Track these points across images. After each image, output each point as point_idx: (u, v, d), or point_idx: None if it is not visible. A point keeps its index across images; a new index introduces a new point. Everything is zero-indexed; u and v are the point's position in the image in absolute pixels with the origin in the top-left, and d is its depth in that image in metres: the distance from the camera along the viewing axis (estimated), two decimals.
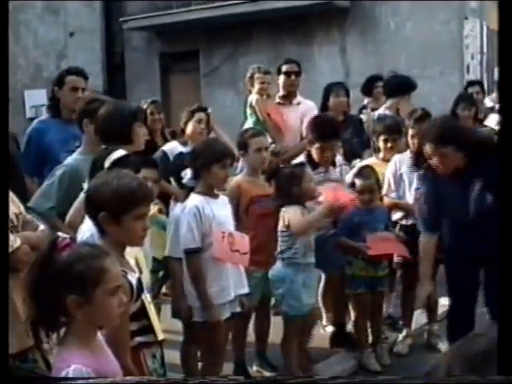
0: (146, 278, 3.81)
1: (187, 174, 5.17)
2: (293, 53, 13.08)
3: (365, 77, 9.33)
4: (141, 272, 3.54)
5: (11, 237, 3.71)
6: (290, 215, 5.21)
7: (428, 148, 4.74)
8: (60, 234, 2.90)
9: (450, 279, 5.17)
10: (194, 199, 4.83)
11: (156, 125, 7.19)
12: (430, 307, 6.31)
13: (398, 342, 6.30)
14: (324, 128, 5.90)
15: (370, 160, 6.44)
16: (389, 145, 6.22)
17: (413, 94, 7.58)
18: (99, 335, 2.86)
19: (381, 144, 6.31)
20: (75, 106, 5.53)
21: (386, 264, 5.96)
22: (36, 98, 14.94)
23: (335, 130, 5.91)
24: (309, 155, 5.90)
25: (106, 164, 4.28)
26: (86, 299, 2.66)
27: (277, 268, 5.34)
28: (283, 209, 5.25)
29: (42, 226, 4.01)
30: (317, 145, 5.79)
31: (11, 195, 3.94)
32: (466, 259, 4.88)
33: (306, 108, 7.45)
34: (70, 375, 2.56)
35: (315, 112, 7.31)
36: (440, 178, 4.83)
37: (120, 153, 4.37)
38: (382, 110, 7.55)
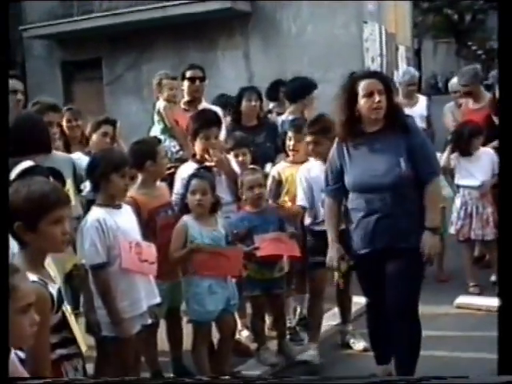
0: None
1: (86, 186, 5.09)
2: (197, 58, 13.10)
3: (268, 81, 9.40)
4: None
5: None
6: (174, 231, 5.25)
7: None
8: None
9: (360, 276, 5.25)
10: (95, 212, 4.69)
11: (74, 132, 7.00)
12: (344, 306, 6.35)
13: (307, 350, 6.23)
14: (204, 116, 6.00)
15: (281, 163, 6.43)
16: (296, 146, 6.21)
17: (316, 96, 7.65)
18: (12, 355, 2.75)
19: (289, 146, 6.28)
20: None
21: (282, 265, 5.95)
22: None
23: (215, 118, 5.98)
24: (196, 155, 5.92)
25: (12, 176, 4.21)
26: None
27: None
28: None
29: None
30: (200, 135, 5.82)
31: None
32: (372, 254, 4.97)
33: None
34: None
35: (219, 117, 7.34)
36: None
37: (27, 163, 4.31)
38: (285, 116, 7.61)
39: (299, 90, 7.56)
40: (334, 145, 5.12)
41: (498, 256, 1.40)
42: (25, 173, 4.24)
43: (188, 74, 7.50)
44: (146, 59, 14.56)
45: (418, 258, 4.84)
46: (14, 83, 6.00)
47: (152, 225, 5.32)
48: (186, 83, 7.49)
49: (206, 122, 5.89)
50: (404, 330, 4.95)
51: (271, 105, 9.03)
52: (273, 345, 6.11)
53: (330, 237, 5.22)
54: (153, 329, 5.29)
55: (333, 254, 5.17)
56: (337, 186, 5.12)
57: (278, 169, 6.36)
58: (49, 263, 3.44)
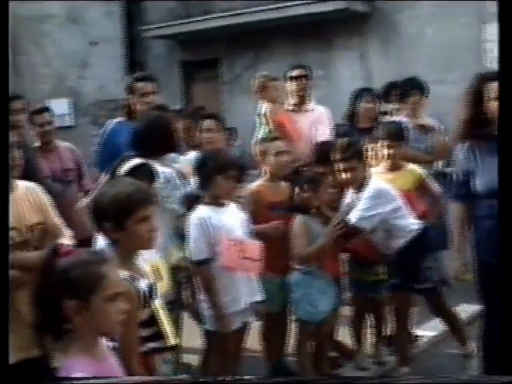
0: (165, 286, 3.84)
1: (192, 183, 5.20)
2: (313, 58, 13.12)
3: (385, 82, 9.26)
4: (160, 279, 3.55)
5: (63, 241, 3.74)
6: (295, 230, 5.24)
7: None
8: (63, 241, 2.94)
9: (484, 285, 4.86)
10: (200, 210, 4.83)
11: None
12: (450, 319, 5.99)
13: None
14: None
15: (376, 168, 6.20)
16: (391, 151, 5.91)
17: (433, 99, 7.48)
18: (103, 342, 2.89)
19: (382, 151, 5.97)
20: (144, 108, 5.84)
21: (378, 270, 5.77)
22: (59, 108, 15.04)
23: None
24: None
25: (121, 172, 4.34)
26: (83, 305, 2.68)
27: (294, 273, 5.34)
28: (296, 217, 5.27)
29: (67, 235, 4.03)
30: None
31: (35, 203, 4.00)
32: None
33: (319, 114, 7.35)
34: None
35: (328, 117, 7.24)
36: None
37: (136, 161, 4.43)
38: (396, 118, 7.44)
39: (409, 91, 7.39)
40: (459, 148, 4.91)
41: (500, 258, 1.34)
42: (133, 170, 4.36)
43: (292, 73, 7.41)
44: (264, 59, 14.62)
45: None
46: (144, 85, 6.09)
47: (269, 218, 5.37)
48: (290, 83, 7.41)
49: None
50: None
51: (387, 106, 8.89)
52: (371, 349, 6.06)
53: (457, 245, 5.01)
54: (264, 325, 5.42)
55: (459, 263, 4.98)
56: (465, 192, 4.87)
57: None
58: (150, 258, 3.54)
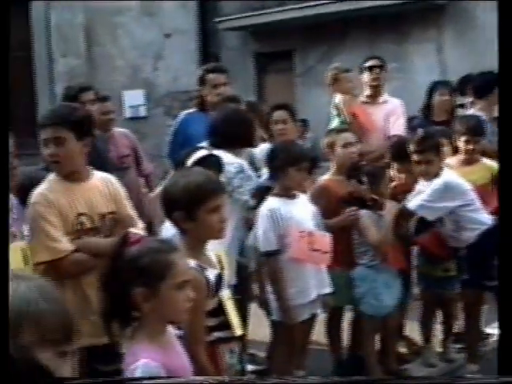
0: (228, 276, 3.84)
1: (264, 173, 5.20)
2: (388, 50, 12.95)
3: (462, 75, 9.09)
4: (222, 270, 3.57)
5: (63, 241, 3.77)
6: (363, 222, 5.19)
7: None
8: (132, 229, 2.97)
9: None
10: (270, 201, 4.84)
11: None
12: None
13: None
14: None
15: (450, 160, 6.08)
16: (470, 146, 5.84)
17: None
18: (170, 330, 2.92)
19: (461, 145, 5.92)
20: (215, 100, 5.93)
21: (448, 266, 5.65)
22: (134, 99, 15.21)
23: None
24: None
25: (189, 163, 4.36)
26: (152, 293, 2.72)
27: (359, 267, 5.31)
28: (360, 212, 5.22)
29: (138, 227, 4.05)
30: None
31: (109, 193, 4.05)
32: None
33: (392, 106, 7.27)
34: (139, 370, 2.63)
35: (402, 109, 7.14)
36: None
37: (203, 152, 4.46)
38: (472, 112, 7.27)
39: (486, 85, 7.20)
40: None
41: (498, 256, 1.29)
42: (201, 161, 4.38)
43: (366, 64, 7.35)
44: (338, 51, 14.50)
45: None
46: (215, 77, 6.15)
47: (340, 211, 5.34)
48: (365, 74, 7.34)
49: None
50: None
51: (463, 99, 8.72)
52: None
53: None
54: (334, 317, 5.44)
55: None
56: None
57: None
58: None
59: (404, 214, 5.31)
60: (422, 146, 5.38)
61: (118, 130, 7.03)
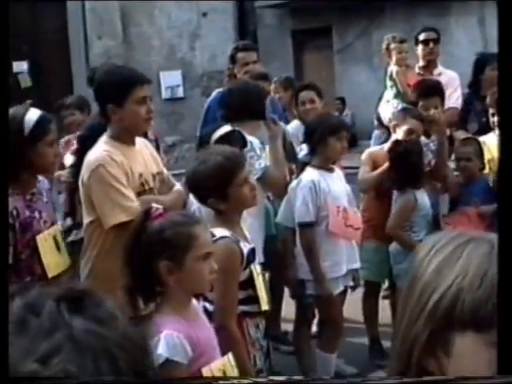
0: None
1: (303, 149, 5.18)
2: (428, 25, 12.69)
3: None
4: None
5: (136, 201, 3.77)
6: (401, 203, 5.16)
7: None
8: (154, 205, 2.95)
9: None
10: (310, 173, 4.84)
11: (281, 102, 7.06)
12: None
13: None
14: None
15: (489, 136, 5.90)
16: None
17: None
18: (195, 303, 2.94)
19: None
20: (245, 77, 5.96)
21: None
22: (171, 79, 15.19)
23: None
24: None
25: (212, 140, 4.38)
26: (176, 265, 2.73)
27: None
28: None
29: (177, 186, 4.12)
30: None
31: (152, 155, 4.13)
32: None
33: (447, 78, 7.10)
34: (162, 340, 2.63)
35: (457, 82, 7.01)
36: None
37: (226, 128, 4.46)
38: None
39: None
40: None
41: (498, 253, 1.21)
42: (223, 138, 4.37)
43: (421, 36, 7.26)
44: (376, 27, 14.34)
45: None
46: (245, 55, 6.18)
47: (381, 183, 5.28)
48: (419, 46, 7.26)
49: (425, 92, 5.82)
50: None
51: None
52: None
53: None
54: (372, 293, 5.49)
55: None
56: None
57: None
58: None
59: None
60: None
61: None
